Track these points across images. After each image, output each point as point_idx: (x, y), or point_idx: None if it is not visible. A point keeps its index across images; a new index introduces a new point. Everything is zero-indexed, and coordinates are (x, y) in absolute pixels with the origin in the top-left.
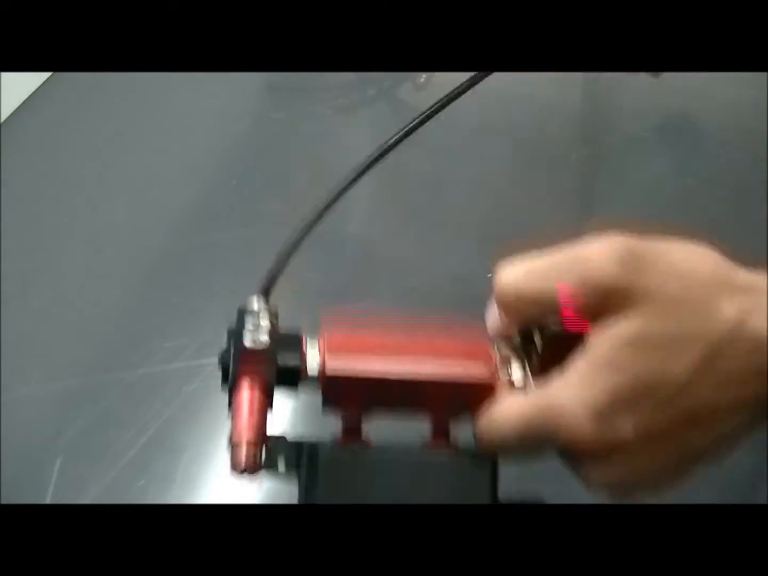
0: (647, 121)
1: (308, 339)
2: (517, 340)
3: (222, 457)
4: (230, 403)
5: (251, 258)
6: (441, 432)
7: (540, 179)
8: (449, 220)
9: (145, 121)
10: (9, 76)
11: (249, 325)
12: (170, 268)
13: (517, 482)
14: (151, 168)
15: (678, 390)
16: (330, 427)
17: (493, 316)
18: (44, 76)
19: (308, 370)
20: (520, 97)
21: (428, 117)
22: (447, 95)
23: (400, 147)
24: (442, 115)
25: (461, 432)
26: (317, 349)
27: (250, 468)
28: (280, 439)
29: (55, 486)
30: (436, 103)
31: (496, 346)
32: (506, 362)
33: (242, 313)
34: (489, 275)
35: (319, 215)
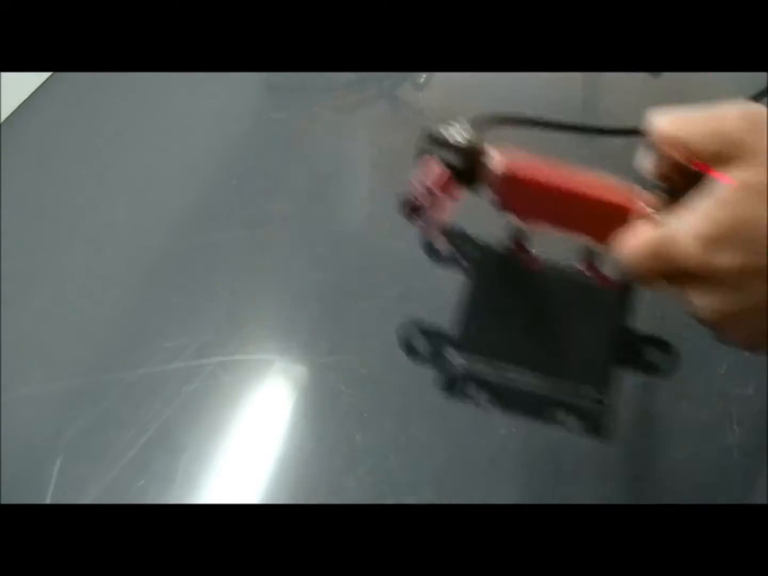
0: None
1: (491, 150)
2: (657, 180)
3: (222, 457)
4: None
5: (251, 258)
6: (591, 260)
7: None
8: None
9: (145, 121)
10: (9, 76)
11: (452, 130)
12: (170, 268)
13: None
14: (151, 168)
15: None
16: None
17: (642, 158)
18: (44, 76)
19: (491, 168)
20: (521, 97)
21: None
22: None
23: None
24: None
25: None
26: (498, 156)
27: (418, 207)
28: (458, 229)
29: (55, 486)
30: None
31: (638, 186)
32: (645, 200)
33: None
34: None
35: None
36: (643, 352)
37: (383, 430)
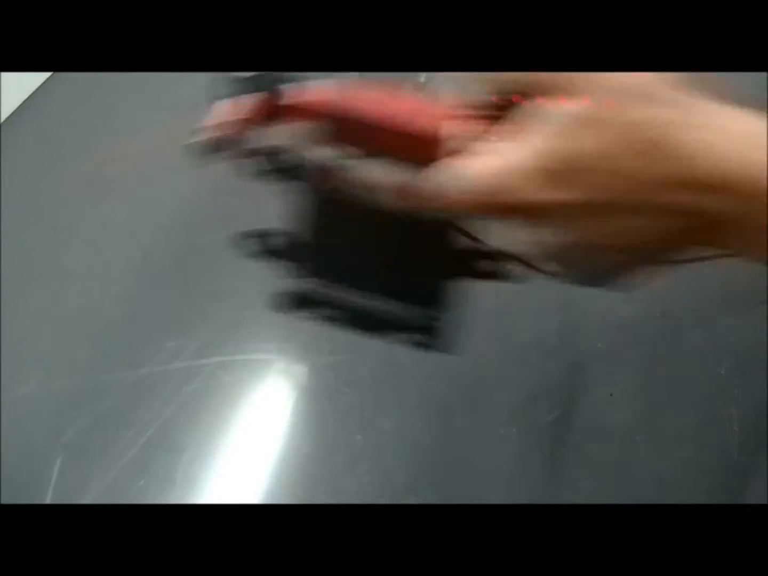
0: None
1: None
2: (488, 109)
3: (222, 457)
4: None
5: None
6: (406, 185)
7: None
8: None
9: (145, 121)
10: (9, 76)
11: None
12: (170, 267)
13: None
14: (151, 168)
15: (605, 164)
16: None
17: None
18: (44, 76)
19: (306, 99)
20: None
21: None
22: None
23: None
24: None
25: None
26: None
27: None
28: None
29: (55, 486)
30: None
31: (472, 113)
32: (477, 128)
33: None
34: None
35: None
36: (483, 265)
37: (383, 430)
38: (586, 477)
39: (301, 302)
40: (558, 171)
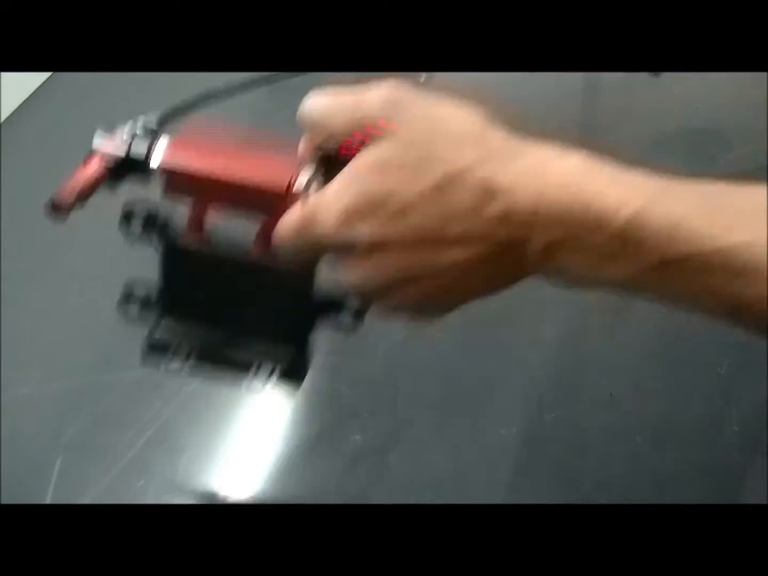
0: (647, 121)
1: (165, 139)
2: (313, 162)
3: (222, 457)
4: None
5: None
6: (263, 238)
7: None
8: None
9: None
10: (9, 76)
11: (129, 126)
12: None
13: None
14: None
15: (407, 207)
16: None
17: (301, 142)
18: (44, 76)
19: (152, 162)
20: (520, 97)
21: None
22: None
23: None
24: None
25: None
26: (161, 149)
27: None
28: (139, 203)
29: (55, 486)
30: None
31: (302, 169)
32: (307, 183)
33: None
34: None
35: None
36: (329, 315)
37: (383, 430)
38: (586, 477)
39: (164, 349)
40: (360, 210)
